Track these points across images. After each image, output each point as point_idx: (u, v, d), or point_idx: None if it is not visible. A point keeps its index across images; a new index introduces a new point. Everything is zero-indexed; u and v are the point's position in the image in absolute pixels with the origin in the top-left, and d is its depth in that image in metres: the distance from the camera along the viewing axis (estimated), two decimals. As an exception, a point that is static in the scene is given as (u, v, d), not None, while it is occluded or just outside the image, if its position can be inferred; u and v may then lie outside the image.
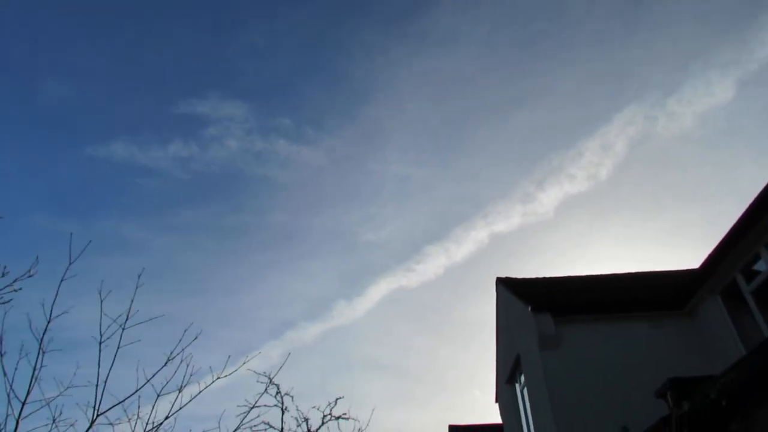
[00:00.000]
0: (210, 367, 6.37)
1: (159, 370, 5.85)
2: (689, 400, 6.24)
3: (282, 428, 10.94)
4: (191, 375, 6.13)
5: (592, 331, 12.46)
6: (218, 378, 6.46)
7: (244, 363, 6.95)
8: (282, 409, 11.09)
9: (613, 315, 12.58)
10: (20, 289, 6.44)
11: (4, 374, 5.34)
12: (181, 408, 5.94)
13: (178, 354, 5.99)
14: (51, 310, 5.53)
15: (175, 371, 5.90)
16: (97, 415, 5.53)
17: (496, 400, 17.05)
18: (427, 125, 39.79)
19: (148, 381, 5.76)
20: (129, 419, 5.81)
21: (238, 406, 10.79)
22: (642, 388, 10.85)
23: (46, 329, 5.46)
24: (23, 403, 5.43)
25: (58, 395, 5.58)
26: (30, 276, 6.55)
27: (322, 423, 11.26)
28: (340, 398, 10.83)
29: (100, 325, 5.67)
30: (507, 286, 15.01)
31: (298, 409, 10.94)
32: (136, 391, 5.72)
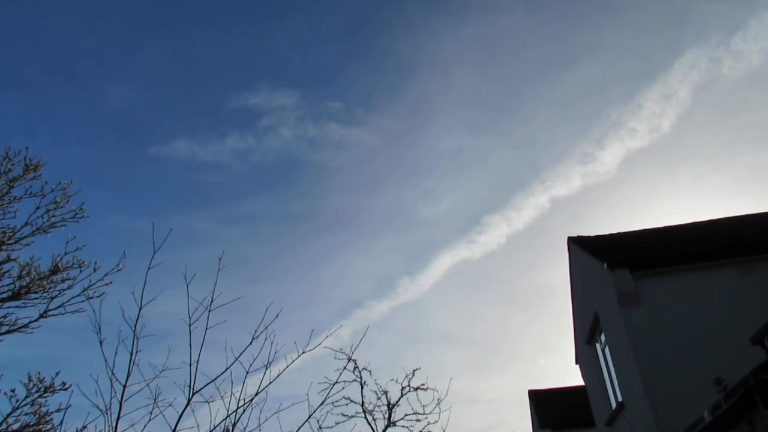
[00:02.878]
0: (295, 343, 6.46)
1: (246, 348, 6.00)
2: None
3: (362, 402, 11.15)
4: (276, 352, 6.23)
5: (674, 283, 11.89)
6: (303, 352, 6.54)
7: (327, 336, 7.02)
8: (361, 383, 11.28)
9: (698, 265, 11.93)
10: (111, 282, 6.73)
11: (105, 360, 5.58)
12: (270, 383, 6.06)
13: (261, 332, 6.09)
14: (141, 298, 5.73)
15: (260, 350, 6.02)
16: (193, 393, 5.71)
17: (576, 362, 16.64)
18: (477, 94, 38.89)
19: (237, 359, 5.90)
20: (222, 396, 5.97)
21: (318, 383, 11.04)
22: (735, 338, 10.31)
23: (138, 315, 5.66)
24: (124, 386, 5.67)
25: (155, 377, 5.78)
26: (119, 270, 6.82)
27: (402, 395, 11.37)
28: (417, 369, 10.90)
29: (188, 308, 5.84)
30: (580, 245, 14.51)
31: (376, 383, 11.10)
32: (227, 368, 5.87)
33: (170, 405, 5.71)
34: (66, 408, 6.34)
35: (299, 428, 6.36)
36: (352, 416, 11.63)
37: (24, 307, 7.23)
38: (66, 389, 6.69)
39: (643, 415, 11.26)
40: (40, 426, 7.02)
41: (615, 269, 12.13)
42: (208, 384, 5.74)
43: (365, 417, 11.41)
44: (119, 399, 5.57)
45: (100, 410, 5.41)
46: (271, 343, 6.18)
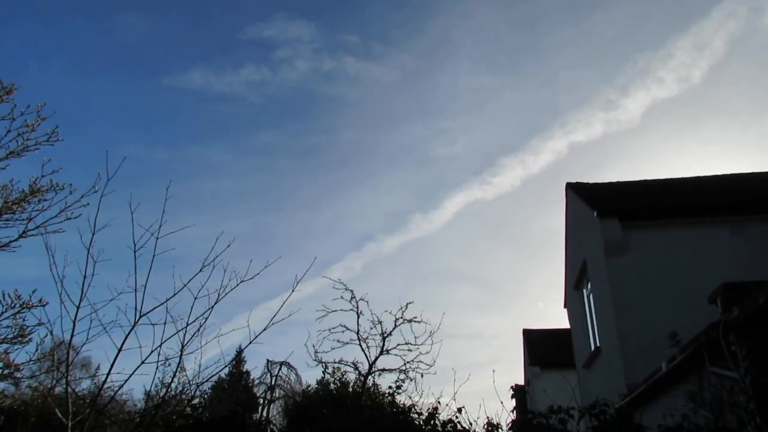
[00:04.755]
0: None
1: (194, 276, 6.12)
2: (739, 305, 5.81)
3: (358, 330, 11.54)
4: (230, 279, 6.34)
5: (662, 237, 11.81)
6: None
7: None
8: (357, 313, 11.64)
9: (689, 220, 11.80)
10: (88, 204, 6.83)
11: (56, 281, 5.77)
12: (274, 316, 6.21)
13: (212, 261, 6.20)
14: (95, 224, 5.85)
15: (209, 277, 6.15)
16: (140, 316, 5.90)
17: (565, 306, 16.86)
18: (498, 32, 37.44)
19: (185, 285, 6.06)
20: (175, 321, 6.18)
21: (317, 310, 11.37)
22: (712, 294, 10.31)
23: (91, 240, 5.81)
24: (78, 307, 5.87)
25: (111, 300, 5.97)
26: (95, 192, 6.88)
27: (395, 326, 11.73)
28: (410, 303, 11.21)
29: (133, 235, 5.98)
30: (576, 191, 14.39)
31: (372, 313, 11.42)
32: (174, 294, 6.03)
33: (120, 327, 5.89)
34: (49, 323, 6.57)
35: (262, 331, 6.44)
36: (347, 343, 12.08)
37: (5, 227, 7.48)
38: (44, 306, 7.02)
39: (615, 361, 11.49)
40: (21, 338, 7.44)
41: (604, 218, 12.06)
42: (154, 308, 5.90)
43: (360, 344, 11.85)
44: (72, 318, 5.77)
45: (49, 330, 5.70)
46: (224, 271, 6.30)
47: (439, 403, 7.48)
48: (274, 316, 6.27)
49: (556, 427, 4.80)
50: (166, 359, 6.14)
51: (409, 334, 11.44)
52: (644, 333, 10.83)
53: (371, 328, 11.64)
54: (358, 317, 11.22)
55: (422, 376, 10.71)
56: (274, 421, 11.23)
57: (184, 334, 5.87)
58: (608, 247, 11.84)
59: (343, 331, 11.22)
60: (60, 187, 7.23)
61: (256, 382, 13.88)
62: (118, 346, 5.67)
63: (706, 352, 6.46)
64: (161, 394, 6.21)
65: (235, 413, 5.41)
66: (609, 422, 4.74)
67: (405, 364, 11.12)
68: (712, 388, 6.56)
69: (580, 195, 13.85)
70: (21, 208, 7.36)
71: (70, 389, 5.88)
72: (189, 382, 6.84)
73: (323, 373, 13.63)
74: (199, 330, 6.19)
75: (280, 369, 12.81)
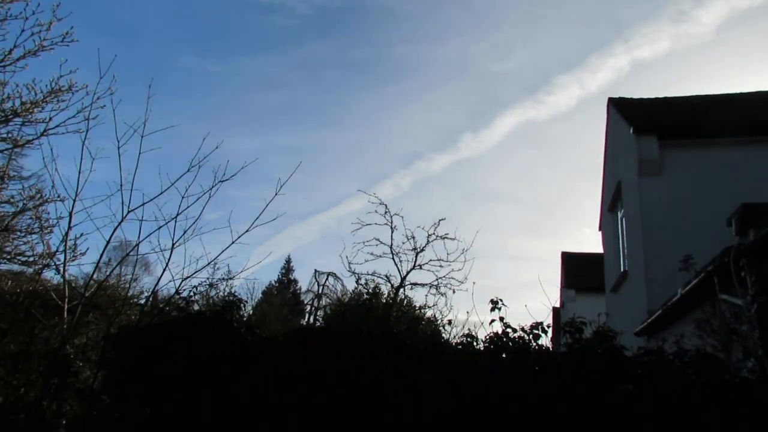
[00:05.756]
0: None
1: (182, 176, 6.20)
2: (755, 227, 5.28)
3: (391, 244, 11.56)
4: (218, 181, 6.34)
5: (704, 157, 10.95)
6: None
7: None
8: (391, 227, 11.61)
9: (734, 139, 10.85)
10: (104, 106, 6.86)
11: (50, 176, 5.95)
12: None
13: (200, 162, 6.18)
14: (88, 119, 5.96)
15: (195, 177, 6.15)
16: (128, 212, 5.97)
17: (600, 228, 16.27)
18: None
19: (173, 185, 6.12)
20: (167, 222, 6.22)
21: (352, 223, 11.51)
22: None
23: (85, 137, 5.90)
24: (74, 200, 5.98)
25: (108, 196, 6.07)
26: (111, 94, 6.87)
27: (427, 242, 11.66)
28: (442, 219, 11.13)
29: (116, 133, 6.01)
30: (616, 106, 13.42)
31: (406, 228, 11.42)
32: (161, 193, 6.09)
33: (111, 222, 5.99)
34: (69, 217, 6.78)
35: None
36: (380, 256, 12.14)
37: (28, 124, 7.64)
38: (62, 201, 7.24)
39: (640, 286, 11.06)
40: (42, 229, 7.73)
41: (642, 135, 11.25)
42: (142, 204, 5.99)
43: (392, 258, 11.90)
44: (69, 211, 5.92)
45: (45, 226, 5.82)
46: (214, 173, 6.30)
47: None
48: (257, 218, 6.26)
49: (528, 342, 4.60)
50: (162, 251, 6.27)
51: (442, 250, 11.40)
52: (670, 258, 10.26)
53: (403, 243, 11.67)
54: (392, 232, 11.27)
55: (454, 292, 10.79)
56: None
57: (174, 231, 5.97)
58: (642, 166, 11.11)
59: (376, 245, 11.31)
60: (78, 88, 7.34)
61: (304, 290, 14.34)
62: (106, 239, 5.81)
63: (716, 277, 6.00)
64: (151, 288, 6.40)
65: (224, 309, 5.44)
66: (584, 340, 4.48)
67: (437, 279, 11.16)
68: (722, 315, 6.14)
69: (620, 110, 12.93)
70: (41, 108, 7.48)
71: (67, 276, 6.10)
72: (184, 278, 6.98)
73: (356, 284, 13.86)
74: (192, 227, 6.23)
75: (327, 279, 13.04)
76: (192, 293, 5.81)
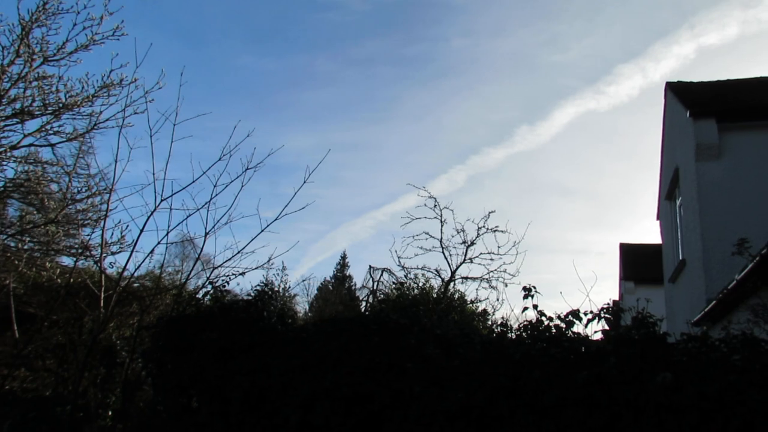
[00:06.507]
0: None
1: (213, 164, 6.30)
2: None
3: (441, 238, 11.52)
4: (248, 169, 6.45)
5: (766, 139, 10.31)
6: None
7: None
8: (441, 221, 11.57)
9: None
10: (153, 100, 7.10)
11: (87, 166, 6.20)
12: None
13: (231, 150, 6.28)
14: (123, 119, 6.17)
15: (226, 166, 6.27)
16: (161, 200, 6.16)
17: (657, 218, 15.61)
18: None
19: (204, 173, 6.23)
20: (199, 209, 6.37)
21: (401, 217, 11.57)
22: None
23: (120, 132, 6.12)
24: (110, 190, 6.21)
25: (149, 185, 6.28)
26: (160, 88, 7.11)
27: (478, 235, 11.55)
28: (492, 212, 10.99)
29: (149, 122, 6.16)
30: (674, 91, 12.81)
31: (456, 221, 11.32)
32: (193, 181, 6.23)
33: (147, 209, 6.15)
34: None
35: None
36: (430, 250, 12.11)
37: (80, 118, 7.88)
38: (109, 192, 7.50)
39: (698, 275, 10.54)
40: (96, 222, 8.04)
41: (699, 118, 10.70)
42: (174, 194, 6.14)
43: (442, 252, 11.85)
44: (107, 201, 6.16)
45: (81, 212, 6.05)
46: (248, 161, 6.39)
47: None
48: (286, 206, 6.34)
49: (562, 330, 4.45)
50: (190, 240, 6.44)
51: (493, 243, 11.24)
52: (730, 245, 9.73)
53: (453, 237, 11.57)
54: (442, 225, 11.20)
55: (506, 285, 10.64)
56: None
57: (207, 219, 6.14)
58: (700, 151, 10.57)
59: (426, 239, 11.27)
60: (129, 82, 7.53)
61: (359, 286, 14.49)
62: (140, 228, 6.03)
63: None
64: (181, 279, 6.60)
65: (256, 299, 5.53)
66: (622, 327, 4.30)
67: (488, 273, 11.03)
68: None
69: (677, 94, 12.33)
70: (90, 103, 7.72)
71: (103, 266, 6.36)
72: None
73: (405, 278, 13.89)
74: (227, 216, 6.38)
75: (381, 275, 13.12)
76: (224, 283, 5.94)
